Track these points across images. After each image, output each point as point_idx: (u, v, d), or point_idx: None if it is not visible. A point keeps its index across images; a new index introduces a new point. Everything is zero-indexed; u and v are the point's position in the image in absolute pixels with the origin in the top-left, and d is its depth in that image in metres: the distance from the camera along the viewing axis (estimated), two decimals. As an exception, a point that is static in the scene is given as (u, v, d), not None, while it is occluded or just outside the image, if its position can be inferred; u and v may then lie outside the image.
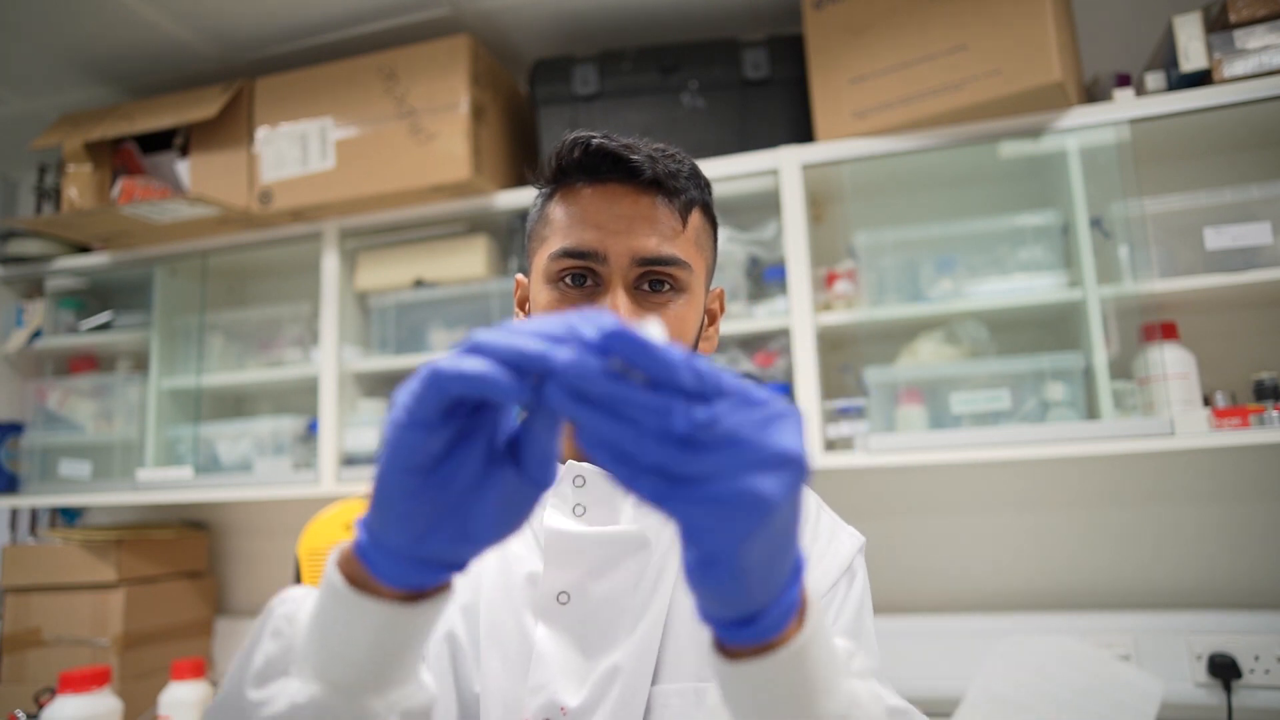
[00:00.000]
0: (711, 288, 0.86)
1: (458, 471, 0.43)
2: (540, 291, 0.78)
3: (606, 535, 0.76)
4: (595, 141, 0.76)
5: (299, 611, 0.52)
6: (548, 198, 0.81)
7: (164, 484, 1.92)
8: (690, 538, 0.39)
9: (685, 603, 0.74)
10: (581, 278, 0.76)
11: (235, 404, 2.19)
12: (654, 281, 0.76)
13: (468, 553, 0.45)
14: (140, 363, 2.10)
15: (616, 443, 0.38)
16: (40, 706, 1.64)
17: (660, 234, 0.76)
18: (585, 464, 0.78)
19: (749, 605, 0.43)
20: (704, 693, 0.71)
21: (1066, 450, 1.44)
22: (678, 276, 0.77)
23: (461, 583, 0.75)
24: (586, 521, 0.77)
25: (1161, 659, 1.53)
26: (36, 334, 2.10)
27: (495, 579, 0.77)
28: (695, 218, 0.80)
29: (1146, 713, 1.40)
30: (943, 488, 1.78)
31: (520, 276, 0.88)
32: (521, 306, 0.86)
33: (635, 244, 0.75)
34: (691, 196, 0.79)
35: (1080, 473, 1.70)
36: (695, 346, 0.80)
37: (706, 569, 0.40)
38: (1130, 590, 1.65)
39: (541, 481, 0.43)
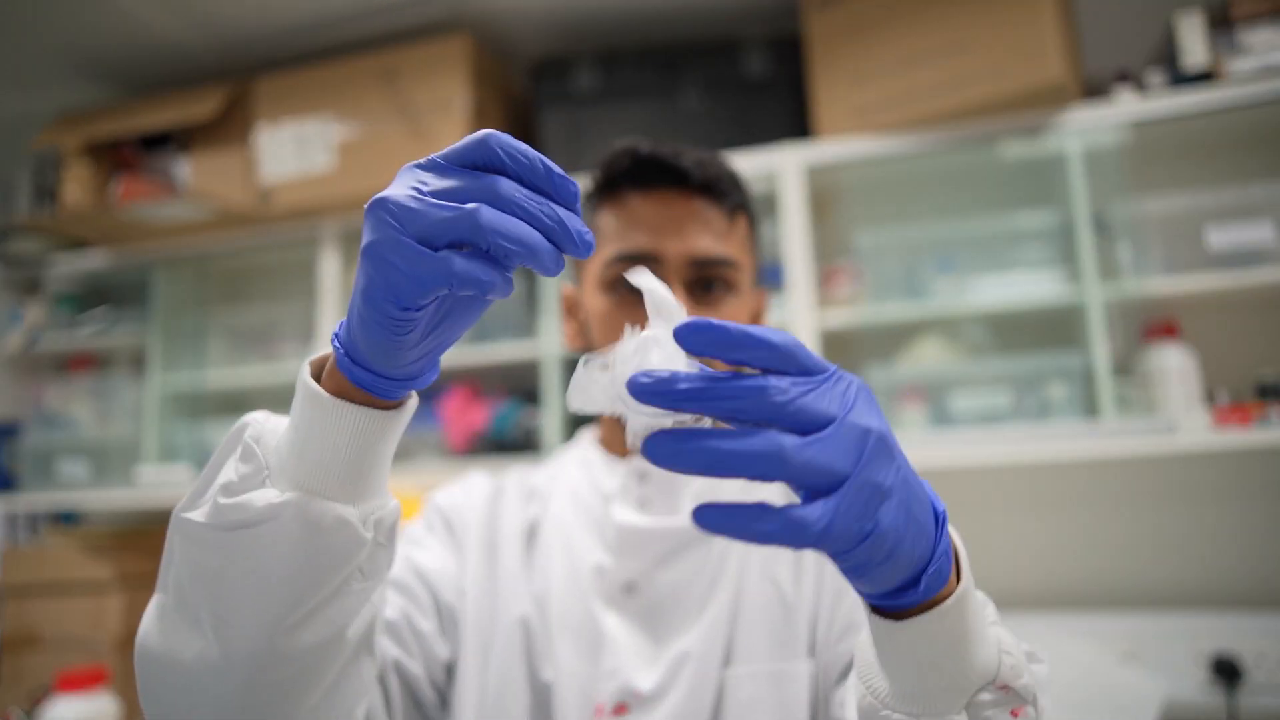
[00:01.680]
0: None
1: (454, 316, 0.46)
2: (595, 298, 0.81)
3: (671, 529, 0.78)
4: (644, 150, 0.79)
5: (265, 434, 0.52)
6: (596, 206, 0.83)
7: (163, 484, 1.92)
8: (836, 554, 0.39)
9: (753, 587, 0.77)
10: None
11: (235, 404, 2.19)
12: (706, 282, 0.79)
13: (435, 373, 0.50)
14: (139, 363, 2.10)
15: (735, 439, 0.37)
16: (37, 706, 1.64)
17: (712, 234, 0.79)
18: (644, 461, 0.79)
19: (908, 569, 0.41)
20: (781, 675, 0.73)
21: (1067, 450, 1.44)
22: (730, 277, 0.80)
23: (533, 573, 0.81)
24: (651, 514, 0.79)
25: (1164, 660, 1.53)
26: (35, 334, 2.10)
27: (563, 571, 0.79)
28: (741, 220, 0.83)
29: (1149, 714, 1.40)
30: (943, 488, 1.76)
31: (567, 286, 0.90)
32: (572, 314, 0.89)
33: (690, 245, 0.78)
34: (736, 200, 0.82)
35: (1081, 473, 1.69)
36: None
37: (858, 570, 0.40)
38: (1133, 590, 1.65)
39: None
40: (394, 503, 0.55)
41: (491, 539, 0.84)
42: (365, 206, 0.41)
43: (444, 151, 0.42)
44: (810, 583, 0.77)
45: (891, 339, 1.69)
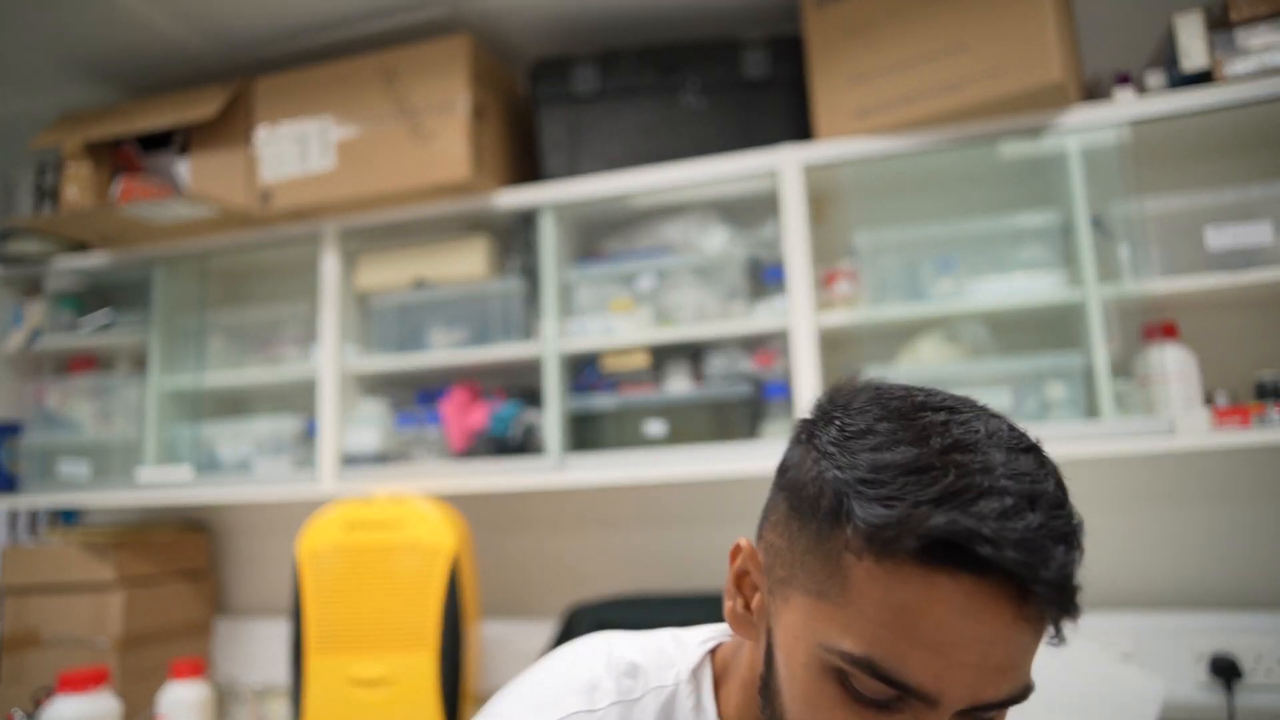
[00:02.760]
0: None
1: None
2: (801, 665, 0.55)
3: None
4: (984, 529, 0.48)
5: None
6: (852, 537, 0.53)
7: (163, 484, 1.92)
8: None
9: None
10: (885, 703, 0.52)
11: (235, 404, 2.19)
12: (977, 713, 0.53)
13: None
14: (140, 363, 2.10)
15: None
16: (39, 706, 1.64)
17: (1019, 669, 0.52)
18: None
19: None
20: None
21: (1067, 450, 1.43)
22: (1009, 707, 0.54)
23: None
24: None
25: (1163, 659, 1.53)
26: (36, 334, 2.10)
27: None
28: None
29: (1148, 714, 1.40)
30: (943, 488, 1.77)
31: (745, 543, 0.64)
32: (741, 587, 0.64)
33: (982, 688, 0.51)
34: (1078, 603, 0.51)
35: (1080, 473, 1.68)
36: None
37: None
38: (1131, 590, 1.65)
39: None
40: None
41: None
42: None
43: None
44: None
45: (891, 339, 1.69)
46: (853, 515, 0.52)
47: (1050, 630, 0.52)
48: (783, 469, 0.62)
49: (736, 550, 0.63)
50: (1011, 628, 0.50)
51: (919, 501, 0.49)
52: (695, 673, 0.66)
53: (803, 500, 0.57)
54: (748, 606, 0.62)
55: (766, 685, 0.59)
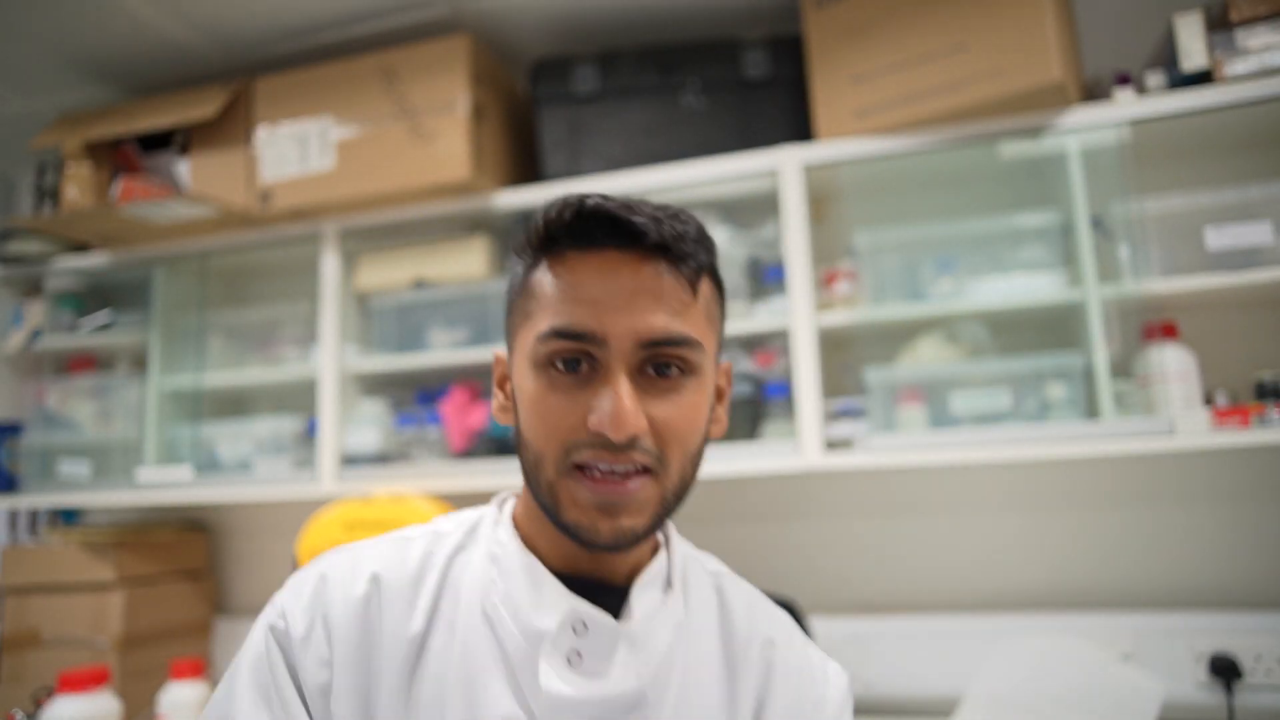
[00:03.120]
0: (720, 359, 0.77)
1: None
2: (526, 377, 0.68)
3: (604, 697, 0.66)
4: (590, 202, 0.66)
5: None
6: (531, 265, 0.70)
7: (164, 484, 1.92)
8: None
9: None
10: (575, 361, 0.66)
11: (235, 404, 2.19)
12: (660, 365, 0.66)
13: None
14: (140, 363, 2.10)
15: None
16: (39, 706, 1.64)
17: (668, 309, 0.66)
18: (589, 609, 0.68)
19: None
20: None
21: (1067, 450, 1.44)
22: (688, 358, 0.67)
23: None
24: (581, 671, 0.67)
25: (1162, 659, 1.53)
26: (36, 334, 2.10)
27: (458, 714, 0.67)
28: (705, 286, 0.70)
29: (1148, 713, 1.40)
30: (943, 488, 1.77)
31: (499, 353, 0.77)
32: (501, 386, 0.76)
33: (639, 323, 0.65)
34: (700, 261, 0.69)
35: (1080, 473, 1.70)
36: (705, 437, 0.71)
37: None
38: (1131, 590, 1.65)
39: None
40: None
41: (365, 674, 0.67)
42: None
43: None
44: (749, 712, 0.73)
45: (891, 339, 1.69)
46: (528, 246, 0.70)
47: (688, 286, 0.67)
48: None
49: (496, 362, 0.77)
50: (647, 280, 0.66)
51: (566, 202, 0.67)
52: (499, 504, 0.79)
53: (510, 284, 0.74)
54: (508, 399, 0.75)
55: (518, 435, 0.70)
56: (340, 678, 0.66)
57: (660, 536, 0.77)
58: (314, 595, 0.69)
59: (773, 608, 0.82)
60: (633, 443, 0.64)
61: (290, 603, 0.69)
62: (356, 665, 0.67)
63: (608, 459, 0.64)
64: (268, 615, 0.70)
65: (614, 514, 0.65)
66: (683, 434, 0.67)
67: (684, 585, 0.76)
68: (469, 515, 0.79)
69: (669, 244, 0.66)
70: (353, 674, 0.67)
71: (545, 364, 0.67)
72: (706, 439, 0.71)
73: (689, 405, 0.67)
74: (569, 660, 0.67)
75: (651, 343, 0.65)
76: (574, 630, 0.67)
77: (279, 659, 0.67)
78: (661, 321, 0.65)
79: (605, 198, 0.66)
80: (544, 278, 0.68)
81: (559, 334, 0.65)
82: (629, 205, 0.66)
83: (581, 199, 0.66)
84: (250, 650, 0.68)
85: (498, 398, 0.76)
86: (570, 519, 0.66)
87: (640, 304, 0.65)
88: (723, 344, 0.76)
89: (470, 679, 0.67)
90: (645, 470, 0.66)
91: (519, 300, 0.71)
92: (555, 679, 0.65)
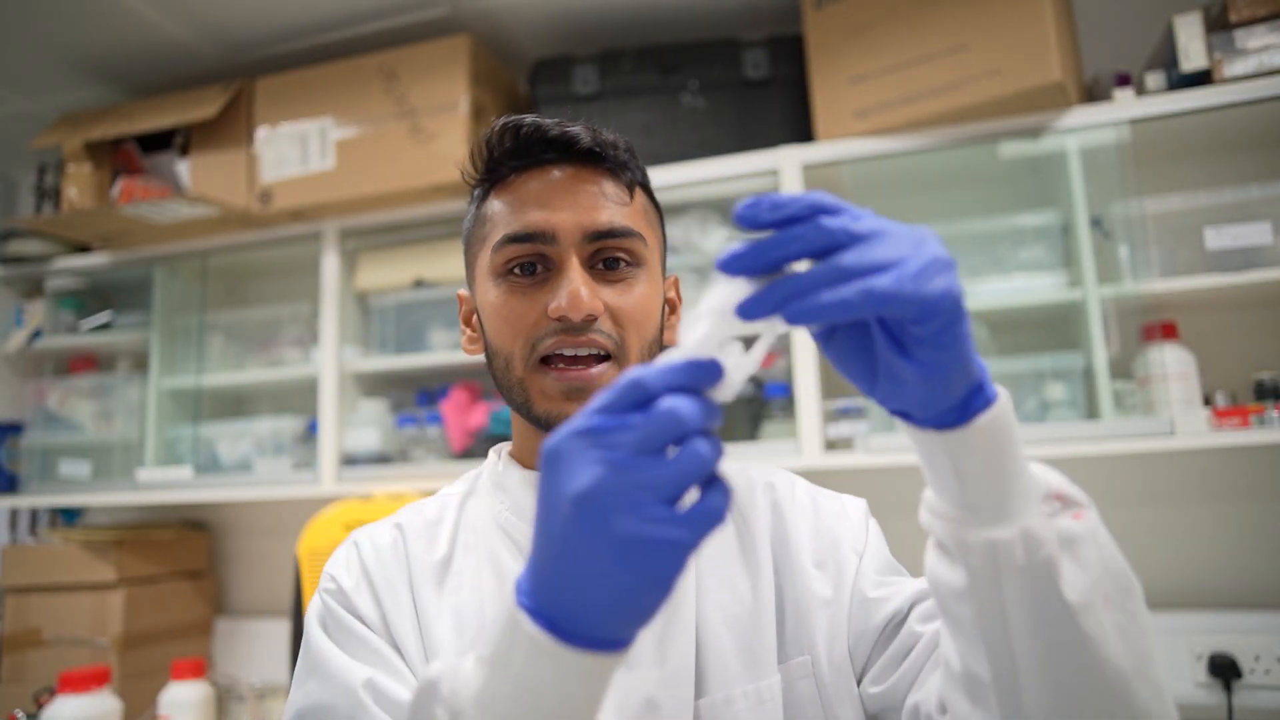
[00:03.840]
0: (668, 275, 0.82)
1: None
2: (487, 290, 0.73)
3: None
4: (526, 123, 0.72)
5: (461, 687, 0.49)
6: (482, 198, 0.76)
7: (164, 484, 1.92)
8: (920, 317, 0.43)
9: (714, 605, 0.72)
10: (531, 266, 0.71)
11: (235, 404, 2.19)
12: (609, 260, 0.72)
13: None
14: (140, 363, 2.10)
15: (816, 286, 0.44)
16: (40, 706, 1.64)
17: (610, 206, 0.72)
18: None
19: (971, 378, 0.47)
20: (757, 694, 0.69)
21: (1066, 450, 1.44)
22: (634, 250, 0.72)
23: (459, 618, 0.71)
24: None
25: (1162, 659, 1.53)
26: (36, 334, 2.10)
27: (496, 611, 0.73)
28: (640, 196, 0.76)
29: (1147, 713, 1.40)
30: (943, 488, 1.77)
31: (462, 292, 0.82)
32: (467, 321, 0.81)
33: (584, 218, 0.70)
34: (634, 174, 0.75)
35: (1080, 473, 1.69)
36: (661, 334, 0.76)
37: (944, 343, 0.45)
38: (1130, 590, 1.65)
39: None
40: None
41: (407, 592, 0.74)
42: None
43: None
44: (768, 585, 0.74)
45: (891, 339, 1.69)
46: (477, 181, 0.76)
47: (624, 189, 0.74)
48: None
49: (460, 301, 0.82)
50: (587, 181, 0.72)
51: (505, 126, 0.72)
52: (497, 452, 0.83)
53: (465, 226, 0.80)
54: (474, 330, 0.80)
55: (487, 351, 0.76)
56: (388, 603, 0.72)
57: None
58: (350, 556, 0.75)
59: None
60: (591, 324, 0.69)
61: (335, 568, 0.75)
62: (397, 590, 0.72)
63: (570, 342, 0.69)
64: (321, 586, 0.75)
65: (580, 398, 0.69)
66: (638, 319, 0.72)
67: None
68: (473, 472, 0.85)
69: (602, 150, 0.72)
70: (394, 596, 0.72)
71: (503, 272, 0.72)
72: (662, 341, 0.77)
73: (640, 295, 0.73)
74: None
75: (597, 234, 0.71)
76: None
77: (339, 609, 0.72)
78: (605, 215, 0.71)
79: (537, 118, 0.73)
80: (493, 203, 0.74)
81: (513, 239, 0.71)
82: (560, 121, 0.73)
83: (518, 121, 0.72)
84: (313, 616, 0.73)
85: (465, 333, 0.81)
86: (541, 410, 0.71)
87: (583, 201, 0.71)
88: (665, 257, 0.81)
89: (500, 575, 0.73)
90: (607, 356, 0.70)
91: (474, 229, 0.77)
92: None
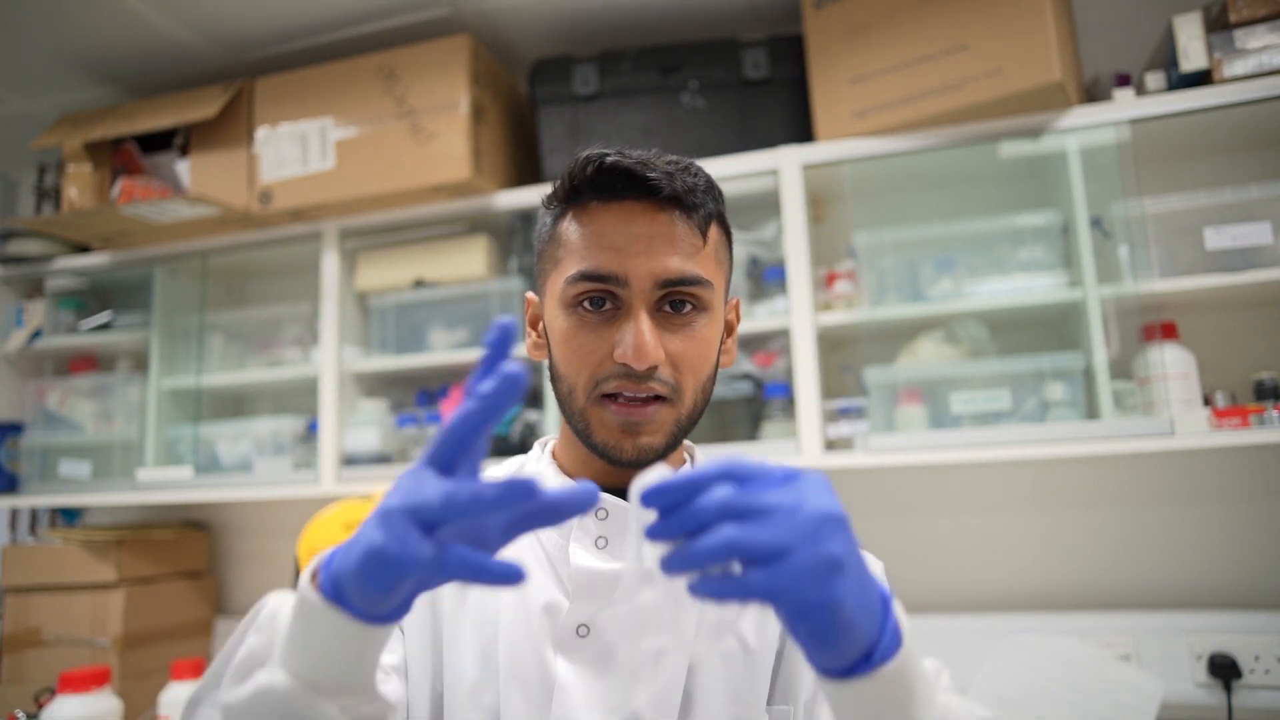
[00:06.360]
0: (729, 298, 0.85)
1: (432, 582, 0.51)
2: (557, 317, 0.77)
3: (629, 572, 0.75)
4: (609, 159, 0.74)
5: (281, 611, 0.58)
6: (559, 216, 0.79)
7: (164, 484, 1.92)
8: (793, 616, 0.48)
9: (714, 635, 0.75)
10: (600, 300, 0.74)
11: (235, 404, 2.19)
12: (675, 302, 0.75)
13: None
14: (140, 363, 2.10)
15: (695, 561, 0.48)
16: (40, 706, 1.64)
17: (681, 253, 0.74)
18: (609, 495, 0.77)
19: (861, 646, 0.51)
20: None
21: (1066, 450, 1.44)
22: (700, 295, 0.76)
23: (476, 624, 0.77)
24: (608, 554, 0.76)
25: (1162, 659, 1.53)
26: (36, 334, 2.10)
27: (513, 614, 0.76)
28: (714, 232, 0.79)
29: (1147, 713, 1.40)
30: (943, 488, 1.78)
31: (531, 295, 0.86)
32: (534, 326, 0.84)
33: (656, 265, 0.73)
34: (709, 210, 0.78)
35: (1080, 473, 1.70)
36: (716, 363, 0.80)
37: (818, 636, 0.49)
38: (1130, 590, 1.65)
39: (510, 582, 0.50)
40: (377, 704, 0.60)
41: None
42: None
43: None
44: (774, 627, 0.76)
45: (891, 339, 1.69)
46: (555, 198, 0.79)
47: (698, 232, 0.76)
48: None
49: (527, 304, 0.86)
50: (662, 227, 0.74)
51: (589, 158, 0.75)
52: (541, 445, 0.88)
53: (538, 232, 0.83)
54: (540, 336, 0.83)
55: (552, 368, 0.79)
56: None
57: (685, 455, 0.86)
58: None
59: None
60: (652, 372, 0.73)
61: None
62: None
63: (630, 387, 0.73)
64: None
65: (636, 433, 0.74)
66: (696, 364, 0.76)
67: None
68: (517, 458, 0.89)
69: (681, 195, 0.74)
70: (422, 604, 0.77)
71: (574, 304, 0.75)
72: (718, 368, 0.81)
73: (701, 339, 0.76)
74: (596, 544, 0.77)
75: (667, 282, 0.74)
76: (596, 516, 0.77)
77: None
78: (676, 264, 0.74)
79: (623, 153, 0.75)
80: (570, 226, 0.77)
81: (586, 277, 0.74)
82: (644, 161, 0.74)
83: (602, 155, 0.74)
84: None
85: (530, 336, 0.85)
86: (599, 440, 0.75)
87: (657, 248, 0.74)
88: (730, 281, 0.85)
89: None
90: (661, 398, 0.75)
91: (547, 248, 0.80)
92: (583, 554, 0.76)
